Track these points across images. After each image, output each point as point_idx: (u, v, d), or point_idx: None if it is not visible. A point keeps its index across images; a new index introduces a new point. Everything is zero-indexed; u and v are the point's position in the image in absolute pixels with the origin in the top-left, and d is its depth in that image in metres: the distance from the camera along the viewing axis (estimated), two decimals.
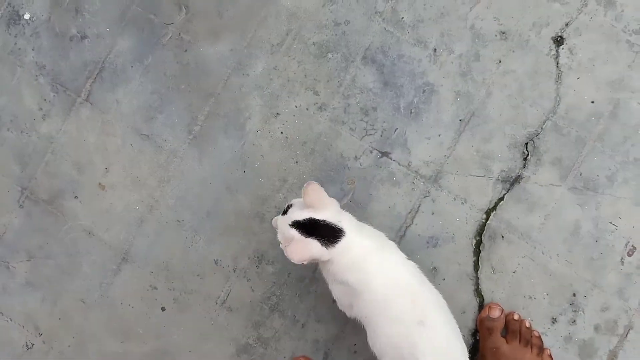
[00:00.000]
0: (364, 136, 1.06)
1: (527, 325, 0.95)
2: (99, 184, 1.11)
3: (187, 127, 1.10)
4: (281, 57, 1.08)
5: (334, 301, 0.93)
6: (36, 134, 1.12)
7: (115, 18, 1.11)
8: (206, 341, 1.08)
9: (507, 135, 1.02)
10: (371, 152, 1.05)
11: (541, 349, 0.95)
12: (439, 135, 1.04)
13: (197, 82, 1.10)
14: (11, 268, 1.12)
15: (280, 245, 0.86)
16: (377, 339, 0.83)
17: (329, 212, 0.84)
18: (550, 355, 0.95)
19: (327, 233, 0.84)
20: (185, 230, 1.09)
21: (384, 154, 1.05)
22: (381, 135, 1.05)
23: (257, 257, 1.08)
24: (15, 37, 1.13)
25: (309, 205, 0.84)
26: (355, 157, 1.06)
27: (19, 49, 1.13)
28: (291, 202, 0.89)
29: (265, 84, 1.09)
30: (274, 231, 0.95)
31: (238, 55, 1.09)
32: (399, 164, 1.04)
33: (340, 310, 0.93)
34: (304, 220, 0.84)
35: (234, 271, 1.08)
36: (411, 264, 0.86)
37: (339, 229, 0.84)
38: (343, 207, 1.00)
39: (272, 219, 0.97)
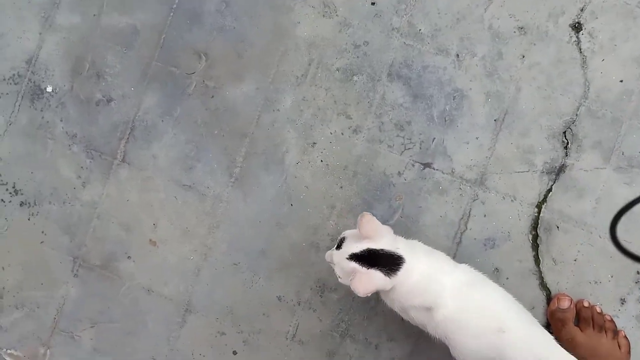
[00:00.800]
0: (403, 151, 1.09)
1: (598, 310, 0.98)
2: (150, 240, 1.14)
3: (227, 171, 1.12)
4: (308, 88, 1.11)
5: (403, 319, 0.96)
6: (79, 202, 1.15)
7: (137, 77, 1.14)
8: None
9: (543, 127, 1.05)
10: (413, 165, 1.08)
11: (615, 332, 0.98)
12: (477, 138, 1.07)
13: (229, 125, 1.13)
14: (76, 337, 1.15)
15: (339, 279, 0.89)
16: (462, 355, 0.86)
17: (385, 240, 0.87)
18: (625, 337, 0.98)
19: (387, 262, 0.86)
20: (242, 272, 1.12)
21: (426, 165, 1.08)
22: (420, 148, 1.08)
23: (319, 287, 1.10)
24: (42, 111, 1.16)
25: (365, 237, 0.86)
26: (399, 172, 1.09)
27: (47, 122, 1.16)
28: (343, 235, 0.91)
29: (296, 116, 1.11)
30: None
31: (264, 93, 1.12)
32: (442, 172, 1.07)
33: (411, 326, 0.95)
34: (362, 252, 0.86)
35: (299, 304, 1.11)
36: (463, 267, 0.89)
37: (398, 256, 0.86)
38: (394, 223, 1.03)
39: (326, 251, 1.00)
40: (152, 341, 1.13)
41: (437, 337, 0.89)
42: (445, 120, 1.07)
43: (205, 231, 1.12)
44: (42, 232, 1.15)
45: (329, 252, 0.93)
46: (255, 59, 1.11)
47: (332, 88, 1.10)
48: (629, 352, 0.97)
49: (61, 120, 1.15)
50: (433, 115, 1.07)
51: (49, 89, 1.15)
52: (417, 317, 0.88)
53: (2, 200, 1.15)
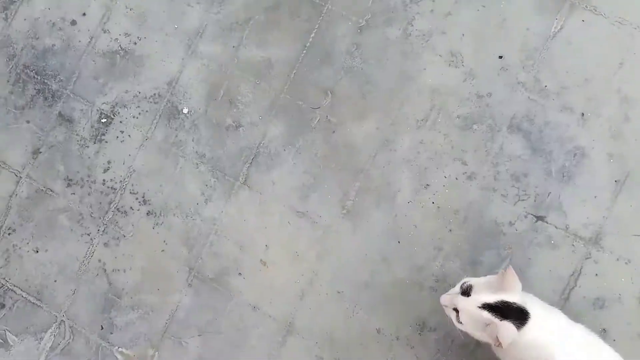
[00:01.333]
0: (517, 202, 1.18)
1: None
2: (261, 260, 1.28)
3: (340, 203, 1.26)
4: (427, 132, 1.23)
5: None
6: (200, 218, 1.31)
7: (266, 107, 1.30)
8: None
9: None
10: (526, 216, 1.17)
11: None
12: (595, 197, 1.14)
13: (347, 160, 1.26)
14: (184, 344, 1.31)
15: (457, 324, 0.97)
16: None
17: (517, 295, 0.94)
18: None
19: (517, 316, 0.93)
20: (345, 301, 1.24)
21: (539, 218, 1.16)
22: (535, 200, 1.17)
23: (419, 325, 1.21)
24: (176, 130, 1.34)
25: (503, 289, 0.94)
26: (510, 222, 1.18)
27: (180, 140, 1.34)
28: (468, 282, 0.98)
29: (412, 157, 1.23)
30: (434, 300, 1.08)
31: (384, 133, 1.25)
32: (555, 227, 1.15)
33: None
34: (496, 303, 0.94)
35: (397, 339, 1.21)
36: (580, 326, 0.97)
37: (526, 311, 0.93)
38: (499, 272, 1.11)
39: (430, 291, 1.10)
40: (254, 356, 1.27)
41: None
42: (564, 176, 1.16)
43: (313, 258, 1.25)
44: (164, 241, 1.32)
45: (446, 295, 1.00)
46: (379, 100, 1.24)
47: (451, 134, 1.21)
48: None
49: (193, 140, 1.33)
50: (551, 170, 1.16)
51: (185, 110, 1.34)
52: None
53: (131, 207, 1.34)
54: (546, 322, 0.95)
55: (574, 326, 0.97)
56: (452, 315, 0.97)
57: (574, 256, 1.12)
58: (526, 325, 0.92)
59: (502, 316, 0.92)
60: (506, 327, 0.90)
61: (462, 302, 0.96)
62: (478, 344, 1.16)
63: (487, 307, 0.93)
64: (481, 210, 1.17)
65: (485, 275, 0.99)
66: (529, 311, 0.93)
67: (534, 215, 1.14)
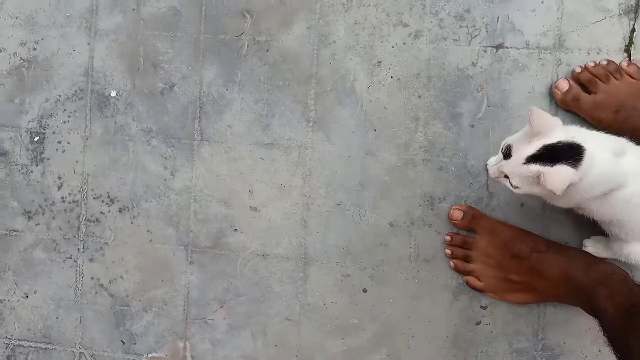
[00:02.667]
0: (470, 40, 1.31)
1: (592, 65, 1.19)
2: (250, 207, 1.40)
3: (303, 117, 1.38)
4: (356, 10, 1.35)
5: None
6: (173, 192, 1.43)
7: (191, 55, 1.42)
8: (420, 300, 1.35)
9: None
10: (485, 51, 1.30)
11: (618, 69, 1.17)
12: (542, 2, 1.27)
13: (292, 73, 1.38)
14: (209, 322, 1.43)
15: (516, 190, 1.00)
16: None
17: (559, 132, 0.92)
18: (630, 63, 1.20)
19: (568, 154, 0.90)
20: (348, 209, 1.37)
21: (498, 46, 1.29)
22: (487, 31, 1.30)
23: (427, 201, 1.34)
24: (112, 116, 1.45)
25: (537, 133, 0.96)
26: (472, 63, 1.31)
27: (121, 125, 1.45)
28: (507, 143, 1.01)
29: (354, 42, 1.36)
30: (431, 171, 1.22)
31: (316, 29, 1.37)
32: (517, 48, 1.28)
33: None
34: (539, 150, 0.91)
35: (412, 224, 1.34)
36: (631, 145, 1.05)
37: (577, 145, 0.91)
38: (483, 115, 1.25)
39: (422, 165, 1.23)
40: (282, 303, 1.40)
41: (606, 219, 1.08)
42: None
43: (300, 182, 1.38)
44: (148, 230, 1.44)
45: (492, 167, 1.05)
46: (298, 0, 1.35)
47: (381, 2, 1.33)
48: None
49: (133, 120, 1.44)
50: None
51: (113, 93, 1.45)
52: (590, 206, 1.04)
53: (101, 212, 1.46)
54: (605, 151, 0.97)
55: (627, 146, 1.02)
56: (506, 183, 1.01)
57: (545, 68, 1.24)
58: (584, 161, 0.91)
59: (552, 162, 0.91)
60: (555, 172, 0.89)
61: (507, 166, 0.96)
62: (490, 196, 1.29)
63: (532, 159, 0.93)
64: (440, 63, 1.29)
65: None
66: (583, 145, 0.91)
67: (492, 46, 1.26)
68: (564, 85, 1.16)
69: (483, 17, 1.26)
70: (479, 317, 1.28)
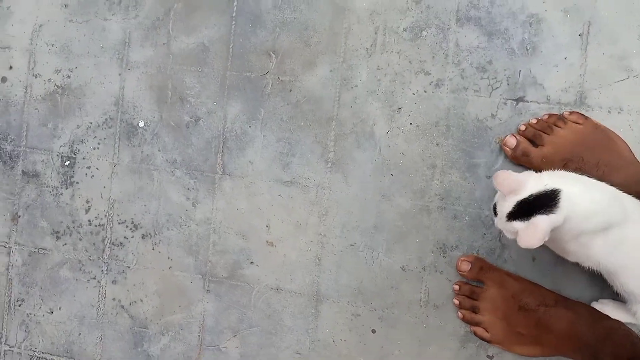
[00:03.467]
0: (491, 92, 1.32)
1: (534, 121, 1.24)
2: (267, 242, 1.45)
3: (322, 158, 1.42)
4: (379, 56, 1.38)
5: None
6: (194, 222, 1.49)
7: (217, 91, 1.47)
8: (428, 345, 1.38)
9: (632, 27, 1.25)
10: (505, 103, 1.32)
11: (560, 117, 1.20)
12: (565, 58, 1.28)
13: (314, 114, 1.42)
14: (222, 349, 1.49)
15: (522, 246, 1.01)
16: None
17: (530, 185, 1.01)
18: (571, 112, 1.22)
19: (543, 203, 0.98)
20: (361, 250, 1.40)
21: (519, 99, 1.31)
22: (508, 84, 1.31)
23: (440, 248, 1.37)
24: (140, 146, 1.51)
25: (509, 194, 1.01)
26: (492, 115, 1.32)
27: (147, 155, 1.51)
28: (494, 201, 1.06)
29: (375, 86, 1.39)
30: (445, 220, 1.25)
31: (339, 72, 1.40)
32: (537, 102, 1.30)
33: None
34: (514, 208, 0.97)
35: (424, 270, 1.37)
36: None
37: (552, 190, 0.95)
38: (500, 166, 1.27)
39: (437, 213, 1.26)
40: (293, 337, 1.45)
41: (599, 267, 1.11)
42: (527, 49, 1.30)
43: (316, 220, 1.42)
44: (168, 257, 1.51)
45: (497, 225, 1.08)
46: (323, 43, 1.39)
47: (404, 50, 1.36)
48: (586, 118, 1.18)
49: (159, 150, 1.50)
50: (513, 47, 1.30)
51: (141, 124, 1.51)
52: (582, 245, 1.07)
53: (125, 237, 1.53)
54: (588, 191, 1.02)
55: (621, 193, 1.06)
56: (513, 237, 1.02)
57: None
58: (560, 202, 0.94)
59: (529, 215, 0.94)
60: (529, 226, 0.94)
61: (498, 224, 1.03)
62: (502, 248, 1.31)
63: (511, 216, 0.97)
64: (460, 113, 1.31)
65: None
66: (557, 187, 0.98)
67: (513, 99, 1.28)
68: (511, 141, 1.20)
69: (505, 70, 1.28)
70: None
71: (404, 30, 1.33)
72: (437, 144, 1.32)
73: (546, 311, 1.22)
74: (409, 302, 1.35)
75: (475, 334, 1.28)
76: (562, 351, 1.22)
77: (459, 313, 1.30)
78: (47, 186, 1.53)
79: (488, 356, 1.31)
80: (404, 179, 1.34)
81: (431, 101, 1.32)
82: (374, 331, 1.37)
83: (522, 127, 1.19)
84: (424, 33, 1.32)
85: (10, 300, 1.55)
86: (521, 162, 1.25)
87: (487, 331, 1.27)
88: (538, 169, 1.17)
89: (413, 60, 1.33)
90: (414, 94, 1.33)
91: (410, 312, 1.35)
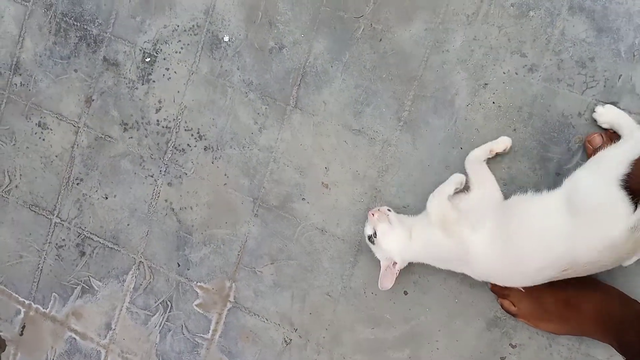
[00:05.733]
0: (584, 90, 1.31)
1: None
2: (322, 183, 1.51)
3: (395, 115, 1.44)
4: (479, 26, 1.37)
5: None
6: (256, 147, 1.55)
7: (307, 23, 1.48)
8: (454, 319, 1.44)
9: None
10: (596, 105, 1.30)
11: None
12: None
13: (398, 69, 1.43)
14: (258, 273, 1.58)
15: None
16: None
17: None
18: None
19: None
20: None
21: (611, 104, 1.29)
22: (604, 86, 1.30)
23: None
24: (220, 60, 1.56)
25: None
26: (579, 113, 1.32)
27: (225, 70, 1.55)
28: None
29: (467, 56, 1.38)
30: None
31: (434, 33, 1.40)
32: (630, 112, 1.28)
33: None
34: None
35: None
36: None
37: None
38: (572, 167, 1.27)
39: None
40: (327, 278, 1.52)
41: None
42: (635, 56, 1.27)
43: (375, 174, 1.46)
44: (225, 174, 1.58)
45: None
46: None
47: (506, 25, 1.35)
48: None
49: (238, 69, 1.55)
50: (620, 50, 1.28)
51: (226, 38, 1.55)
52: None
53: (188, 145, 1.60)
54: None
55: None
56: None
57: None
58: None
59: None
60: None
61: None
62: None
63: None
64: (546, 104, 1.31)
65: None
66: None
67: (605, 103, 1.27)
68: (597, 140, 1.22)
69: (605, 71, 1.26)
70: (505, 354, 1.38)
71: (512, 5, 1.31)
72: (515, 129, 1.33)
73: (575, 291, 1.25)
74: (447, 274, 1.41)
75: (502, 306, 1.33)
76: (587, 331, 1.27)
77: (489, 284, 1.34)
78: (124, 78, 1.59)
79: (511, 344, 1.37)
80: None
81: (520, 85, 1.32)
82: (405, 293, 1.44)
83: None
84: (532, 13, 1.30)
85: (70, 177, 1.65)
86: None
87: (514, 305, 1.31)
88: None
89: (512, 39, 1.32)
90: (504, 73, 1.33)
91: (446, 283, 1.41)
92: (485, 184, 1.27)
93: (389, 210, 1.31)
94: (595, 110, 1.25)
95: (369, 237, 1.33)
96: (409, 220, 1.30)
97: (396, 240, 1.28)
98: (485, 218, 1.18)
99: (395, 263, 1.28)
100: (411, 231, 1.27)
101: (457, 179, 1.27)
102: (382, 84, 1.39)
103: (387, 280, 1.34)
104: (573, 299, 1.19)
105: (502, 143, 1.26)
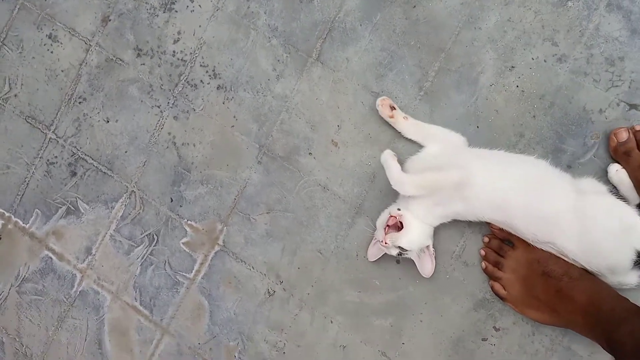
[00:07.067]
0: (609, 87, 1.33)
1: None
2: (332, 140, 1.51)
3: (417, 84, 1.45)
4: (516, 8, 1.38)
5: None
6: (271, 94, 1.54)
7: None
8: (442, 294, 1.46)
9: None
10: (618, 104, 1.33)
11: None
12: None
13: (427, 38, 1.44)
14: (252, 220, 1.58)
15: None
16: None
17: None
18: None
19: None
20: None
21: (633, 106, 1.32)
22: (629, 87, 1.32)
23: None
24: (248, 0, 1.54)
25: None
26: (600, 110, 1.34)
27: (252, 12, 1.54)
28: None
29: (499, 36, 1.40)
30: None
31: (469, 8, 1.41)
32: None
33: None
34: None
35: (469, 227, 1.44)
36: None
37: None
38: (586, 162, 1.30)
39: None
40: (321, 236, 1.53)
41: None
42: None
43: (387, 140, 1.47)
44: (234, 117, 1.57)
45: None
46: None
47: (543, 11, 1.36)
48: None
49: (265, 13, 1.53)
50: None
51: None
52: None
53: (201, 81, 1.58)
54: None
55: None
56: None
57: None
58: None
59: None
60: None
61: None
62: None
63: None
64: (569, 95, 1.33)
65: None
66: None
67: (627, 103, 1.29)
68: (623, 135, 1.25)
69: (633, 72, 1.29)
70: (487, 335, 1.41)
71: None
72: (534, 116, 1.35)
73: (569, 282, 1.27)
74: (443, 250, 1.43)
75: (492, 288, 1.36)
76: (575, 324, 1.29)
77: (483, 264, 1.37)
78: (146, 3, 1.57)
79: (494, 327, 1.40)
80: (487, 135, 1.38)
81: (546, 73, 1.33)
82: (398, 262, 1.46)
83: (639, 127, 1.21)
84: (570, 4, 1.31)
85: (73, 94, 1.63)
86: (619, 157, 1.29)
87: (504, 289, 1.34)
88: (630, 172, 1.25)
89: (547, 26, 1.33)
90: (533, 59, 1.34)
91: (440, 258, 1.43)
92: (436, 136, 1.37)
93: (398, 210, 1.33)
94: (609, 169, 1.28)
95: (399, 254, 1.36)
96: (414, 203, 1.30)
97: (419, 233, 1.33)
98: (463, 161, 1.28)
99: (427, 246, 1.31)
100: (421, 213, 1.28)
101: (389, 156, 1.36)
102: (408, 50, 1.39)
103: (428, 265, 1.36)
104: (565, 289, 1.22)
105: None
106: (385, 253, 1.34)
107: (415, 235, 1.29)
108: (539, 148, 1.32)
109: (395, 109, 1.34)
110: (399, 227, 1.26)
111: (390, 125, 1.41)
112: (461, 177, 1.19)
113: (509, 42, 1.33)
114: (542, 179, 1.18)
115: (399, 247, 1.29)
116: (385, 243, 1.29)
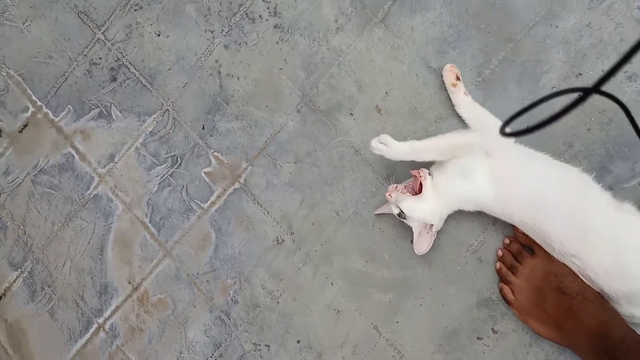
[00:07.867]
0: None
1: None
2: (377, 106, 1.47)
3: (477, 69, 1.40)
4: (598, 15, 1.32)
5: None
6: (326, 45, 1.50)
7: None
8: (449, 284, 1.43)
9: None
10: None
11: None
12: None
13: (499, 24, 1.38)
14: (278, 166, 1.56)
15: None
16: None
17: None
18: None
19: None
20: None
21: None
22: None
23: None
24: None
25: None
26: None
27: None
28: None
29: (573, 39, 1.34)
30: None
31: (550, 3, 1.35)
32: None
33: None
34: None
35: (493, 223, 1.40)
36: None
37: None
38: (630, 187, 1.25)
39: None
40: (342, 198, 1.50)
41: None
42: None
43: (432, 118, 1.43)
44: (284, 60, 1.53)
45: None
46: None
47: (625, 25, 1.30)
48: None
49: None
50: None
51: None
52: None
53: (260, 16, 1.54)
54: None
55: None
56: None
57: None
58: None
59: None
60: None
61: None
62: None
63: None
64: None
65: None
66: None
67: None
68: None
69: None
70: (483, 335, 1.38)
71: (638, 8, 1.26)
72: (589, 129, 1.30)
73: (583, 302, 1.24)
74: (460, 240, 1.39)
75: (501, 290, 1.33)
76: (577, 345, 1.27)
77: (497, 264, 1.34)
78: None
79: (493, 329, 1.37)
80: (536, 137, 1.33)
81: (613, 88, 1.28)
82: (412, 242, 1.42)
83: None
84: None
85: (130, 0, 1.59)
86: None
87: (513, 294, 1.31)
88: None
89: (625, 40, 1.27)
90: (602, 70, 1.29)
91: (455, 248, 1.40)
92: (487, 123, 1.33)
93: (429, 173, 1.30)
94: None
95: (399, 215, 1.30)
96: (439, 172, 1.26)
97: (430, 207, 1.28)
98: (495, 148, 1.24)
99: (431, 225, 1.24)
100: (442, 185, 1.24)
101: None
102: (477, 33, 1.34)
103: (423, 244, 1.33)
104: (577, 309, 1.19)
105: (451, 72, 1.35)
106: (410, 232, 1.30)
107: (422, 206, 1.26)
108: (585, 162, 1.27)
109: (460, 80, 1.28)
110: (415, 191, 1.24)
111: (438, 104, 1.37)
112: (485, 140, 1.20)
113: (583, 48, 1.27)
114: (584, 190, 1.13)
115: (401, 210, 1.27)
116: (389, 195, 1.28)
